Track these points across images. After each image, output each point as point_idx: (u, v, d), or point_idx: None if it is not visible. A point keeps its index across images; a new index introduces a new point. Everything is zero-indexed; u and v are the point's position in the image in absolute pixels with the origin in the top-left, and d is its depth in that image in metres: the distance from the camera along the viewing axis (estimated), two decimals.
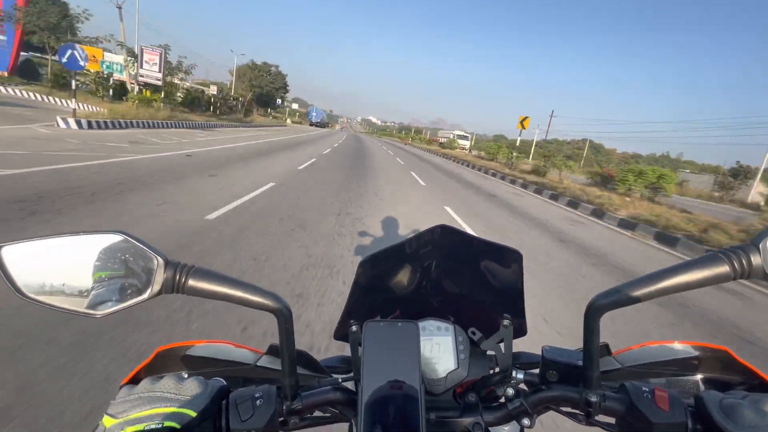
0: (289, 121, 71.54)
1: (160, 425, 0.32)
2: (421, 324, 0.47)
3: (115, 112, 14.00)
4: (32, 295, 0.32)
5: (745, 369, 0.43)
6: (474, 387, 0.46)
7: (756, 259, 0.32)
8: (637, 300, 0.36)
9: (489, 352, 0.47)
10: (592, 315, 0.37)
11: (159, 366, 0.45)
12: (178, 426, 0.33)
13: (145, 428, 0.32)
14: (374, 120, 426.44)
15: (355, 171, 10.55)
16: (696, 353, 0.45)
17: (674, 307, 3.58)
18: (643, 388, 0.36)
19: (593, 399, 0.38)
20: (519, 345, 0.48)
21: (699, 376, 0.45)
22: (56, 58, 13.58)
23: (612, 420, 0.39)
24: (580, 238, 6.19)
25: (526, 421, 0.42)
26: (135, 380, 0.42)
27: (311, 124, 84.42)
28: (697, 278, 0.33)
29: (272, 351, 0.48)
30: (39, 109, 14.94)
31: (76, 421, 1.38)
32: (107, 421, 0.33)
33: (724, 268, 0.33)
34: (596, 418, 0.40)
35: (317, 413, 0.45)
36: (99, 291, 0.33)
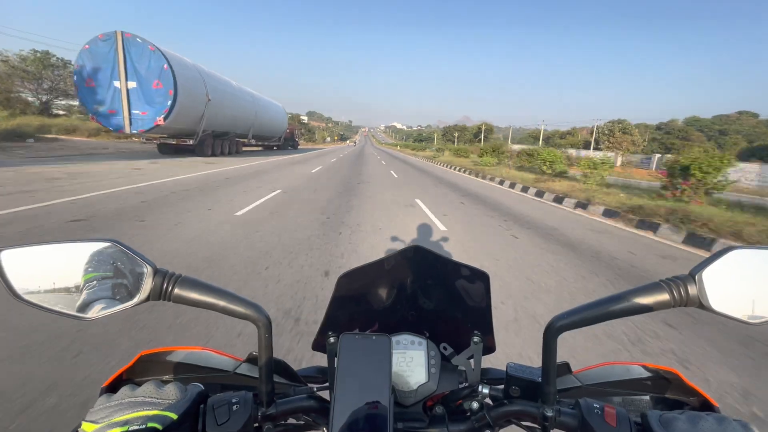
0: None
1: (143, 426, 0.33)
2: (396, 338, 0.50)
3: None
4: (27, 298, 0.34)
5: (692, 390, 0.46)
6: (443, 400, 0.49)
7: (693, 290, 0.36)
8: (591, 322, 0.39)
9: (459, 367, 0.50)
10: (551, 335, 0.40)
11: (140, 370, 0.47)
12: (160, 427, 0.34)
13: (129, 429, 0.33)
14: (399, 126, 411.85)
15: None
16: (649, 374, 0.48)
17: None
18: (595, 405, 0.39)
19: (549, 414, 0.41)
20: (488, 360, 0.49)
21: (651, 396, 0.49)
22: None
23: None
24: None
25: None
26: (116, 383, 0.43)
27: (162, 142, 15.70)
28: (641, 304, 0.37)
29: (251, 359, 0.50)
30: None
31: None
32: (87, 426, 0.34)
33: (664, 297, 0.36)
34: None
35: (291, 420, 0.47)
36: (90, 296, 0.35)
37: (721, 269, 0.36)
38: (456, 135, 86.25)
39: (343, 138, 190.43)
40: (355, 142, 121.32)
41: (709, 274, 0.36)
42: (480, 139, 70.24)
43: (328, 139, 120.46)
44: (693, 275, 0.36)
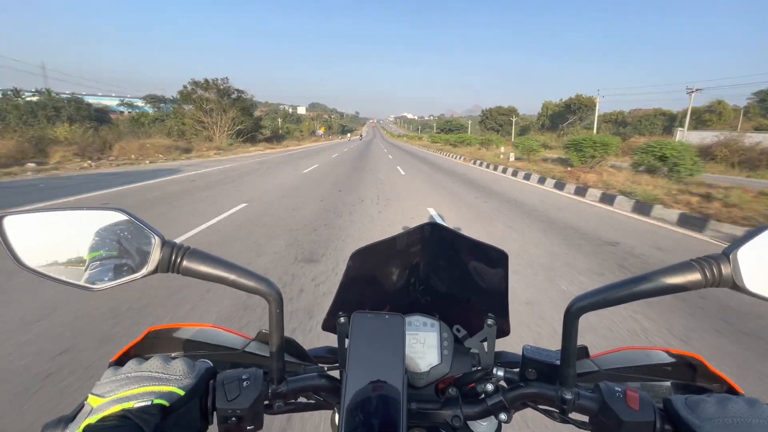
0: None
1: (149, 402, 0.33)
2: (408, 319, 0.49)
3: None
4: (32, 266, 0.33)
5: (715, 376, 0.44)
6: (456, 383, 0.47)
7: (726, 269, 0.34)
8: (614, 302, 0.37)
9: (472, 350, 0.48)
10: (571, 316, 0.39)
11: (149, 346, 0.46)
12: (167, 404, 0.33)
13: (135, 406, 0.32)
14: (410, 116, 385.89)
15: None
16: (670, 359, 0.47)
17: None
18: (616, 389, 0.38)
19: (568, 396, 0.39)
20: (501, 344, 0.47)
21: (672, 382, 0.47)
22: None
23: (585, 418, 0.41)
24: None
25: (503, 416, 0.43)
26: (124, 358, 0.42)
27: None
28: (670, 284, 0.35)
29: (260, 338, 0.49)
30: None
31: None
32: (93, 400, 0.33)
33: (696, 276, 0.34)
34: (570, 415, 0.41)
35: (302, 399, 0.46)
36: (96, 265, 0.34)
37: (758, 248, 0.34)
38: (514, 119, 56.23)
39: (344, 131, 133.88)
40: (360, 136, 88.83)
41: (744, 253, 0.34)
42: (561, 128, 43.71)
43: (320, 132, 79.81)
44: (727, 254, 0.34)
